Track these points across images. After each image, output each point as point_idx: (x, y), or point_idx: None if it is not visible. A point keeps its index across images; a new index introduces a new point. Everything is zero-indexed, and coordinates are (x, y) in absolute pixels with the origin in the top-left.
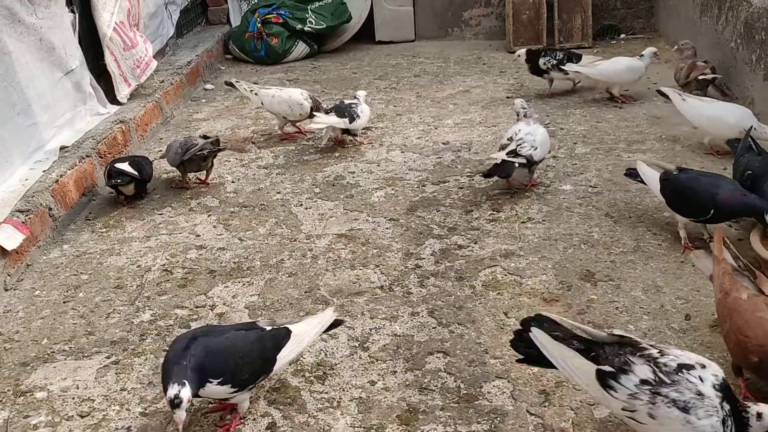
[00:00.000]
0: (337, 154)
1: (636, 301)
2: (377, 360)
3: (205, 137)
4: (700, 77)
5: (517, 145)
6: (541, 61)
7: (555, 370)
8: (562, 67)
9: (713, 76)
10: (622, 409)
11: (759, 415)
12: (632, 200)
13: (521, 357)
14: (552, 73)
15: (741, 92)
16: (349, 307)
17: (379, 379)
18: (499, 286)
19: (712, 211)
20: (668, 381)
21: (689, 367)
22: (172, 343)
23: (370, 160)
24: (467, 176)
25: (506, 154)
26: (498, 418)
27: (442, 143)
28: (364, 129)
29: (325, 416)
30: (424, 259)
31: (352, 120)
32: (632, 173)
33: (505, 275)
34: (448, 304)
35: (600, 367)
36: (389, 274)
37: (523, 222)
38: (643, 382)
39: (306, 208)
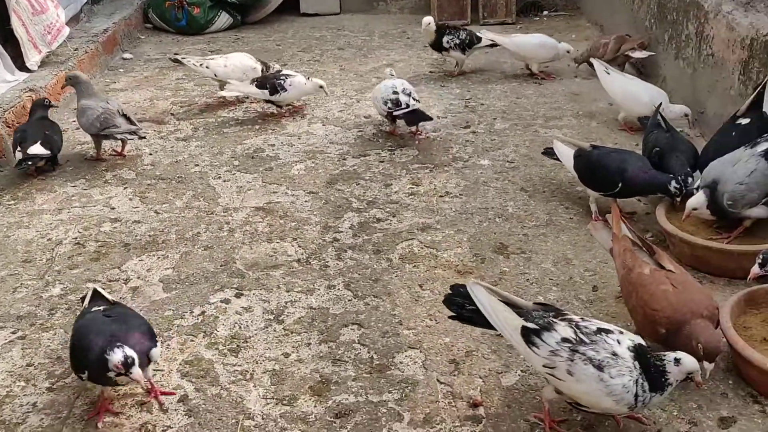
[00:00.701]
0: (257, 127)
1: (546, 273)
2: (292, 332)
3: (125, 116)
4: (633, 55)
5: (409, 94)
6: (445, 39)
7: (466, 342)
8: (467, 46)
9: (649, 54)
10: (543, 366)
11: (677, 360)
12: (547, 175)
13: (453, 315)
14: (452, 52)
15: (654, 70)
16: (264, 281)
17: (293, 352)
18: (416, 258)
19: (620, 186)
20: (587, 341)
21: (607, 331)
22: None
23: (291, 133)
24: (388, 150)
25: (412, 101)
26: (409, 387)
27: (364, 117)
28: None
29: (238, 388)
30: (342, 232)
31: (274, 92)
32: (549, 151)
33: (422, 248)
34: (364, 277)
35: (525, 323)
36: (307, 247)
37: (441, 196)
38: (564, 340)
39: (224, 181)
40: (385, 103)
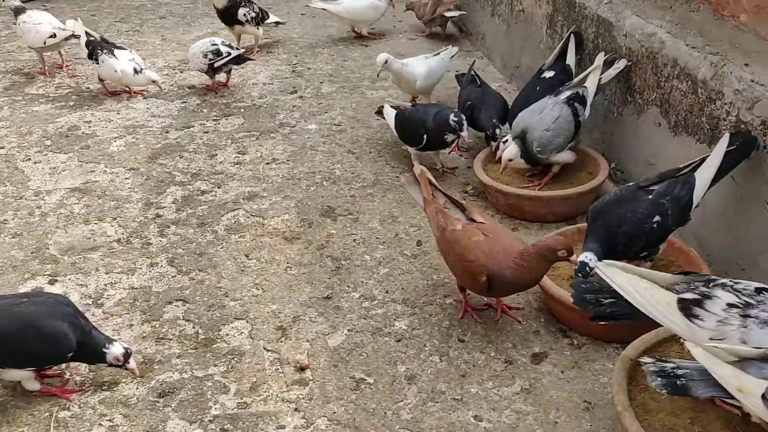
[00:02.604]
0: (71, 103)
1: (373, 232)
2: (112, 315)
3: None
4: (446, 14)
5: (229, 45)
6: (242, 11)
7: (294, 308)
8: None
9: (460, 13)
10: (711, 339)
11: None
12: (374, 136)
13: (593, 315)
14: (247, 26)
15: (474, 27)
16: (81, 264)
17: (113, 335)
18: (242, 228)
19: (425, 138)
20: (753, 302)
21: (765, 289)
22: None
23: (109, 108)
24: (213, 120)
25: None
26: (235, 359)
27: (188, 87)
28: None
29: (51, 380)
30: (165, 207)
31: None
32: (380, 111)
33: (248, 217)
34: (189, 252)
35: (681, 295)
36: (127, 226)
37: (267, 163)
38: (730, 305)
39: (35, 163)
40: (206, 55)
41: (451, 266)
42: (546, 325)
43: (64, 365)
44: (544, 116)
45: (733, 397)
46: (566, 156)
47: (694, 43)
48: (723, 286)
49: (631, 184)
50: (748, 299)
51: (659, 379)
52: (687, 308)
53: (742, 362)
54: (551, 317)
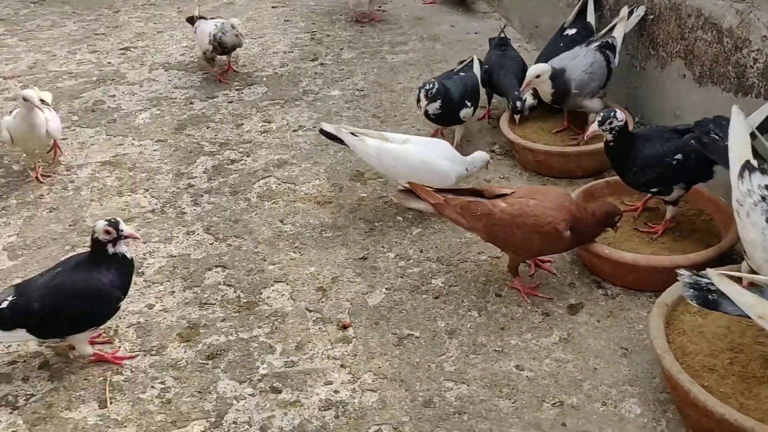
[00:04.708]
0: (94, 79)
1: None
2: (153, 283)
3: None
4: None
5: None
6: None
7: (332, 270)
8: None
9: None
10: None
11: None
12: (397, 100)
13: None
14: None
15: None
16: None
17: (156, 302)
18: (274, 195)
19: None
20: None
21: None
22: None
23: (132, 82)
24: (236, 89)
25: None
26: (278, 320)
27: None
28: None
29: (102, 347)
30: (196, 177)
31: None
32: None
33: (279, 184)
34: (224, 219)
35: None
36: (160, 196)
37: (294, 130)
38: None
39: (63, 139)
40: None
41: (519, 246)
42: (580, 278)
43: (112, 332)
44: (580, 60)
45: None
46: (596, 103)
47: None
48: None
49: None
50: None
51: (692, 290)
52: None
53: (764, 289)
54: (584, 269)
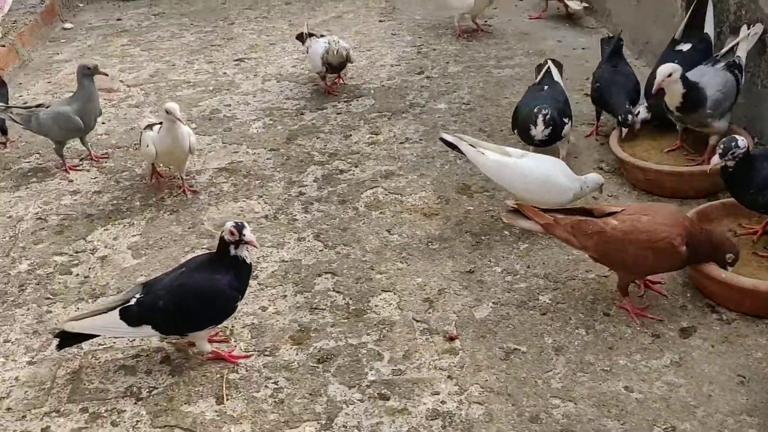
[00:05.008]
0: (211, 88)
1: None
2: (267, 286)
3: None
4: (568, 2)
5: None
6: None
7: (438, 281)
8: None
9: (583, 6)
10: None
11: None
12: (503, 114)
13: None
14: None
15: (599, 4)
16: None
17: (269, 305)
18: (381, 205)
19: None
20: None
21: None
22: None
23: (246, 92)
24: (344, 101)
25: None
26: (386, 328)
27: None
28: None
29: (219, 345)
30: (306, 185)
31: None
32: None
33: (386, 195)
34: (333, 227)
35: None
36: (273, 203)
37: (401, 142)
38: None
39: None
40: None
41: (632, 263)
42: (692, 301)
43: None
44: (712, 79)
45: None
46: (724, 124)
47: None
48: None
49: None
50: None
51: None
52: None
53: None
54: (697, 292)
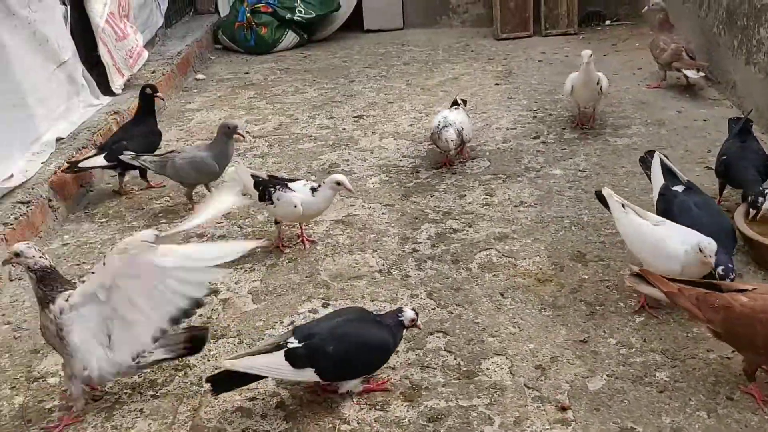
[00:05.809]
0: (331, 143)
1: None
2: None
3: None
4: (686, 73)
5: (443, 127)
6: None
7: (551, 349)
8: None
9: (701, 75)
10: None
11: None
12: (619, 183)
13: None
14: None
15: (723, 76)
16: (349, 291)
17: None
18: (495, 267)
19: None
20: None
21: None
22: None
23: (364, 148)
24: (459, 162)
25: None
26: (498, 392)
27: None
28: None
29: (332, 395)
30: (420, 243)
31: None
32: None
33: (500, 257)
34: (445, 286)
35: None
36: (387, 258)
37: (515, 206)
38: None
39: None
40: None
41: (762, 343)
42: None
43: None
44: None
45: None
46: None
47: None
48: None
49: None
50: None
51: None
52: None
53: None
54: None
